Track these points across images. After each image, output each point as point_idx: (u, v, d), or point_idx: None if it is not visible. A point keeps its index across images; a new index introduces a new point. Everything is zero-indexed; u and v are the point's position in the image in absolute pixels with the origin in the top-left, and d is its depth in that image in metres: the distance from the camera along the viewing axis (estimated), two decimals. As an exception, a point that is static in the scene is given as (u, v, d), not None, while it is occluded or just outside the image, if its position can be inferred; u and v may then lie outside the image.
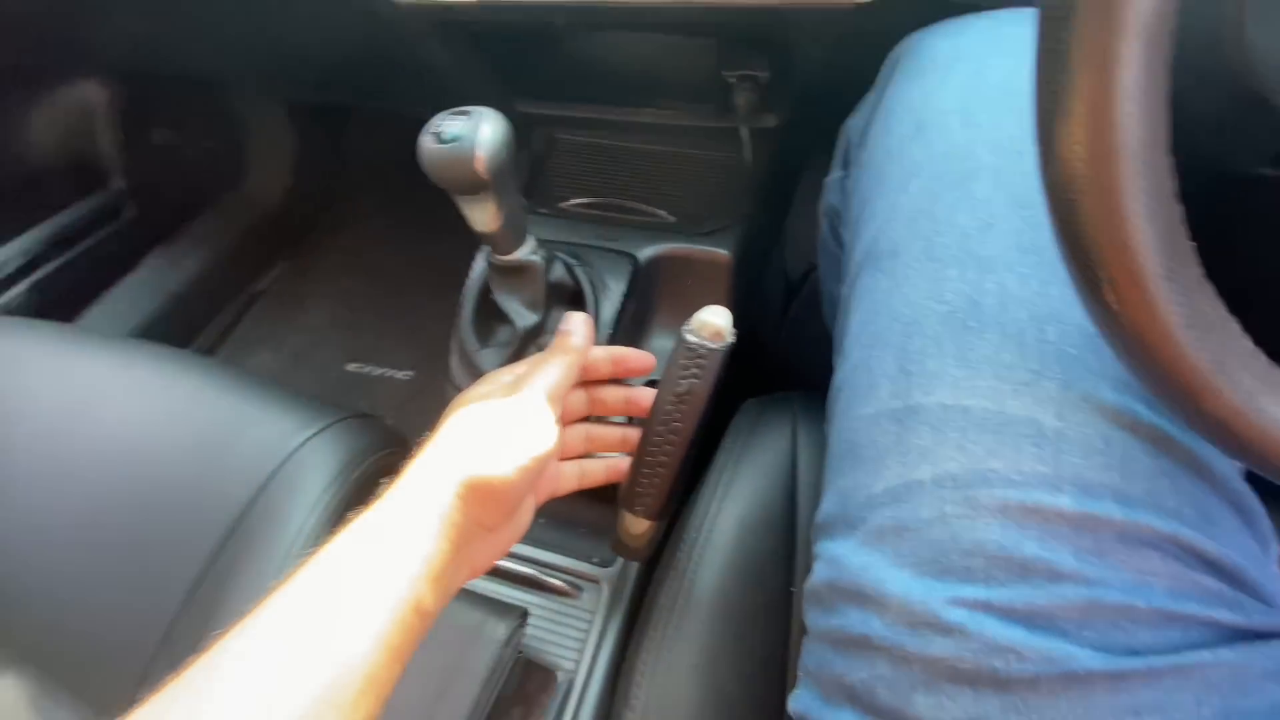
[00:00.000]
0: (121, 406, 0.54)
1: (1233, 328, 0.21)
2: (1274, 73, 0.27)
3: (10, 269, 0.80)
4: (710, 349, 0.35)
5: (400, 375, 1.01)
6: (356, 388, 1.00)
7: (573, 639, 0.45)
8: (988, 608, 0.27)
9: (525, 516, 0.37)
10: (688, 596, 0.43)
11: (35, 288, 0.82)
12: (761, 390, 0.54)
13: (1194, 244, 0.21)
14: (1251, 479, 0.33)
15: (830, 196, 0.46)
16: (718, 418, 0.53)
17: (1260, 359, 0.21)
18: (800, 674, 0.35)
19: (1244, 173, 0.37)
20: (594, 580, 0.48)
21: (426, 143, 0.39)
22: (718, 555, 0.44)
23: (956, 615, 0.27)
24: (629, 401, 0.41)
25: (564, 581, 0.48)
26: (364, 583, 0.28)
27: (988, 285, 0.31)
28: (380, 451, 0.53)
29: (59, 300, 0.85)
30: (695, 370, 0.36)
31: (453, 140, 0.39)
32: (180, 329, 0.99)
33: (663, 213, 0.58)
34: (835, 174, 0.45)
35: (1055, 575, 0.27)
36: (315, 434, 0.52)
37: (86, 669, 0.46)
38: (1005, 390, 0.29)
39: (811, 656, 0.34)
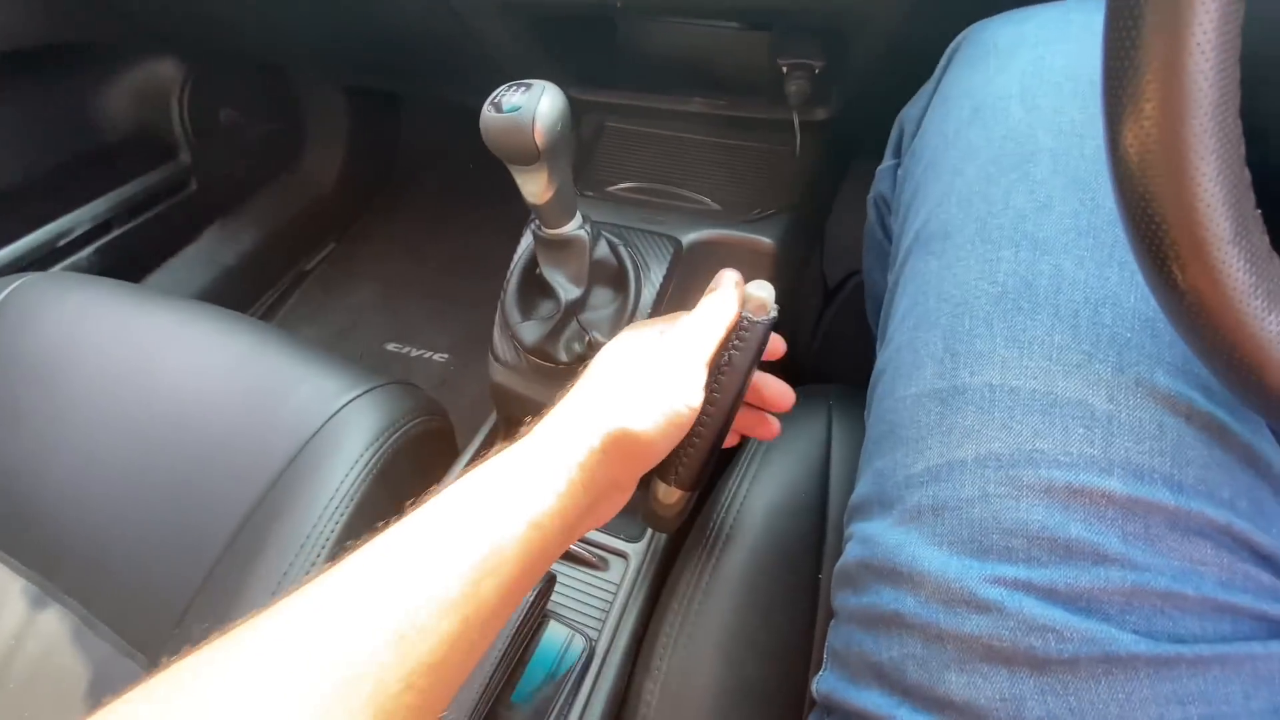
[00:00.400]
0: (178, 360, 0.56)
1: None
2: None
3: (80, 232, 0.84)
4: (754, 321, 0.36)
5: (437, 357, 1.03)
6: (394, 367, 1.02)
7: (598, 609, 0.45)
8: (1028, 587, 0.27)
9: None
10: (713, 575, 0.43)
11: (101, 250, 0.87)
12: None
13: (1260, 213, 0.20)
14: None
15: (880, 185, 0.45)
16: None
17: None
18: (826, 656, 0.35)
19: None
20: (621, 555, 0.48)
21: (488, 112, 0.40)
22: (745, 537, 0.44)
23: (994, 593, 0.27)
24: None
25: (592, 554, 0.48)
26: (477, 522, 0.27)
27: (1042, 267, 0.30)
28: (419, 417, 0.55)
29: (123, 264, 0.89)
30: (737, 342, 0.36)
31: (512, 110, 0.40)
32: (232, 300, 1.03)
33: (708, 200, 0.58)
34: (888, 162, 0.45)
35: (1101, 558, 0.26)
36: (358, 396, 0.53)
37: (128, 606, 0.48)
38: (1056, 371, 0.29)
39: (839, 637, 0.34)
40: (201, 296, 0.99)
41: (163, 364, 0.56)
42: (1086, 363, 0.28)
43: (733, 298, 0.37)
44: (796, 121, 0.54)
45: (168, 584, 0.47)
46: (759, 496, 0.46)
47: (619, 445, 0.31)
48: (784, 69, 0.51)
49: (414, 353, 1.04)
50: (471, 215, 1.15)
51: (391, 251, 1.18)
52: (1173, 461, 0.27)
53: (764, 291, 0.36)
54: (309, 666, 0.22)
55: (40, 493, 0.53)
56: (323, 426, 0.51)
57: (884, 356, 0.37)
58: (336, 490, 0.48)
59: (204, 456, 0.51)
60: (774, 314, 0.36)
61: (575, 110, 0.68)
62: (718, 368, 0.36)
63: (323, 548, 0.46)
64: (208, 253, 1.02)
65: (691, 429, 0.37)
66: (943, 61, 0.40)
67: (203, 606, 0.46)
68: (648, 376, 0.33)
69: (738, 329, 0.36)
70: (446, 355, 1.03)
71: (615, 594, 0.46)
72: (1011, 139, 0.34)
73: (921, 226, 0.36)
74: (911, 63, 0.43)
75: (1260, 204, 0.20)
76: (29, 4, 0.73)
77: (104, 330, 0.59)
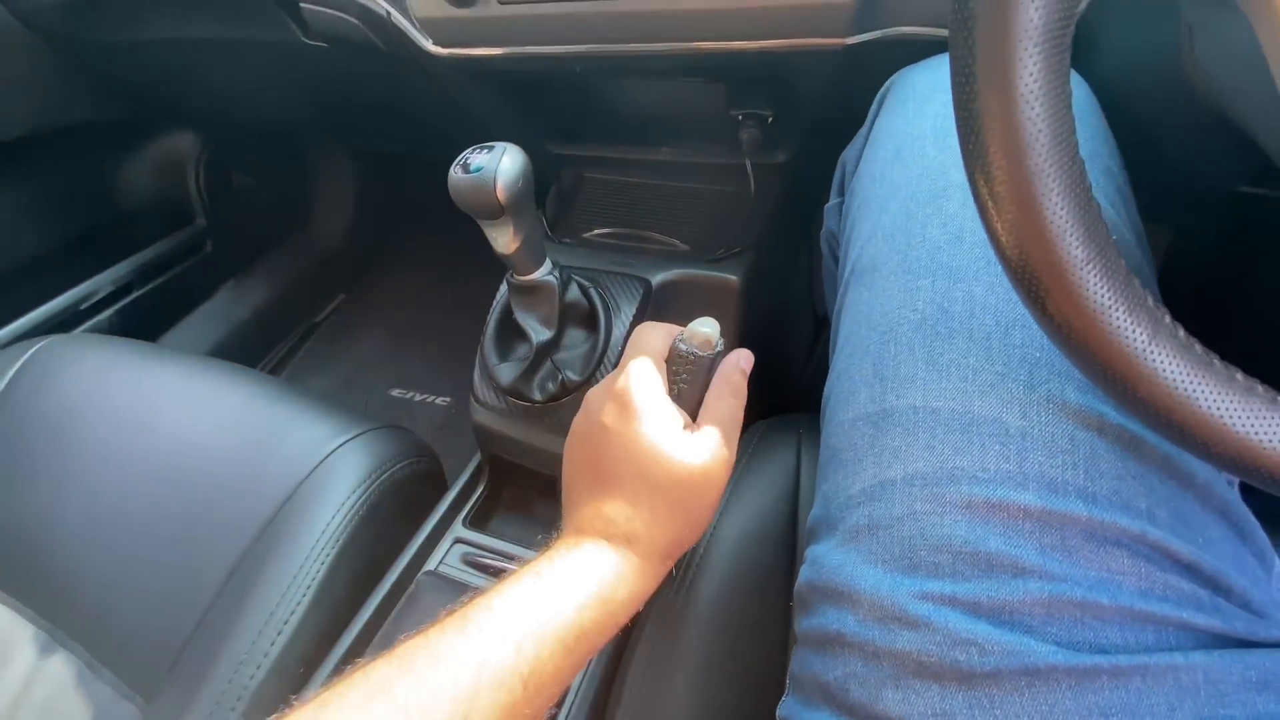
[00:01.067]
0: (181, 414, 0.59)
1: (1161, 315, 0.22)
2: (1222, 93, 0.29)
3: (102, 294, 0.90)
4: (699, 356, 0.37)
5: (439, 401, 1.06)
6: (399, 411, 1.05)
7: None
8: (953, 602, 0.28)
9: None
10: (684, 604, 0.44)
11: (122, 311, 0.92)
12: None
13: (1114, 240, 0.22)
14: (1249, 497, 0.32)
15: (829, 222, 0.48)
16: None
17: (1194, 348, 0.22)
18: (789, 681, 0.36)
19: (1228, 190, 0.37)
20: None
21: (454, 173, 0.44)
22: (717, 566, 0.45)
23: (922, 609, 0.28)
24: None
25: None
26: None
27: (956, 294, 0.32)
28: (406, 459, 0.57)
29: (143, 324, 0.94)
30: (685, 377, 0.38)
31: (477, 171, 0.43)
32: (245, 354, 1.07)
33: (677, 242, 0.61)
34: (833, 200, 0.47)
35: (1019, 570, 0.27)
36: (347, 441, 0.56)
37: (128, 650, 0.50)
38: (972, 392, 0.30)
39: (797, 661, 0.35)
40: (215, 352, 1.03)
41: (167, 418, 0.59)
42: (1000, 382, 0.30)
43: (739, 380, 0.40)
44: (749, 166, 0.57)
45: (165, 627, 0.49)
46: (730, 525, 0.47)
47: (668, 529, 0.34)
48: (739, 118, 0.54)
49: (417, 397, 1.08)
50: (472, 265, 1.19)
51: (396, 302, 1.23)
52: (1085, 474, 0.28)
53: (708, 328, 0.38)
54: None
55: (51, 542, 0.56)
56: (312, 471, 0.54)
57: (828, 384, 0.38)
58: (323, 534, 0.50)
59: (202, 504, 0.54)
60: (720, 348, 0.38)
61: (554, 163, 0.72)
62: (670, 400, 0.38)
63: (307, 589, 0.47)
64: (222, 310, 1.07)
65: None
66: (874, 105, 0.43)
67: (196, 649, 0.48)
68: (677, 466, 0.34)
69: (685, 363, 0.38)
70: (448, 399, 1.06)
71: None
72: (927, 176, 0.36)
73: (855, 260, 0.38)
74: (856, 109, 0.46)
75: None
76: (56, 88, 0.80)
77: (115, 388, 0.62)
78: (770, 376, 0.65)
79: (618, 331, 0.54)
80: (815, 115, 0.55)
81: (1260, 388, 0.22)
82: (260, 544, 0.51)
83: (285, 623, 0.46)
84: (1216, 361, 0.22)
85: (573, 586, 0.31)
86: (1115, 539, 0.27)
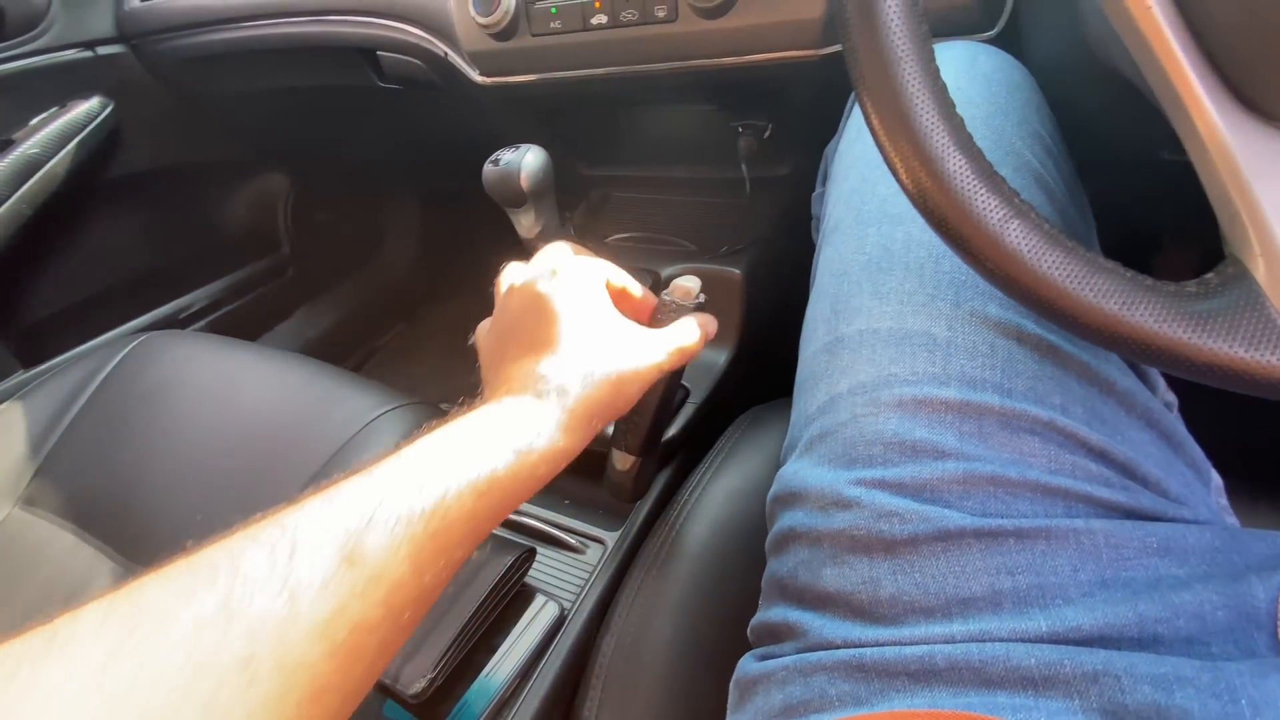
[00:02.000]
0: (252, 388, 0.68)
1: (1014, 196, 0.26)
2: (1109, 54, 0.33)
3: (197, 307, 1.03)
4: (680, 305, 0.43)
5: (481, 415, 1.13)
6: (444, 424, 1.13)
7: (574, 584, 0.50)
8: (881, 484, 0.31)
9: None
10: (673, 546, 0.47)
11: (212, 324, 1.05)
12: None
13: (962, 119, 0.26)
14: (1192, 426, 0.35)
15: (815, 209, 0.53)
16: (725, 419, 0.59)
17: (1044, 226, 0.26)
18: (760, 602, 0.39)
19: (1151, 159, 0.41)
20: (599, 541, 0.53)
21: (487, 167, 0.52)
22: (705, 515, 0.49)
23: (856, 492, 0.32)
24: None
25: (573, 540, 0.54)
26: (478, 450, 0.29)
27: (897, 234, 0.37)
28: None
29: (229, 335, 1.07)
30: (669, 323, 0.43)
31: (505, 164, 0.51)
32: (312, 368, 1.19)
33: (687, 243, 0.67)
34: (818, 190, 0.53)
35: (940, 454, 0.31)
36: (386, 411, 0.63)
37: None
38: (906, 312, 0.34)
39: (764, 578, 0.38)
40: (288, 365, 1.15)
41: (240, 391, 0.68)
42: (930, 302, 0.34)
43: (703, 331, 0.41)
44: (745, 170, 0.63)
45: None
46: (720, 483, 0.51)
47: (602, 389, 0.34)
48: (738, 130, 0.61)
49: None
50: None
51: (449, 327, 1.34)
52: (1003, 373, 0.31)
53: (690, 282, 0.43)
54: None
55: (136, 494, 0.64)
56: (356, 434, 0.61)
57: (801, 333, 0.43)
58: (362, 482, 0.57)
59: (264, 459, 0.61)
60: (700, 299, 0.44)
61: (585, 184, 0.81)
62: None
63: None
64: (296, 330, 1.19)
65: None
66: (849, 103, 0.49)
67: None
68: (618, 336, 0.36)
69: (669, 311, 0.43)
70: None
71: (590, 574, 0.51)
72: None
73: (824, 227, 0.44)
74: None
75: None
76: (176, 133, 0.96)
77: (199, 370, 0.72)
78: (770, 366, 0.69)
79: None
80: (811, 127, 0.61)
81: (1122, 268, 0.25)
82: (309, 489, 0.57)
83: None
84: (1078, 245, 0.26)
85: (488, 434, 0.30)
86: (1028, 427, 0.30)
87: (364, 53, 0.75)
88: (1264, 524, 0.38)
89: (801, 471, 0.35)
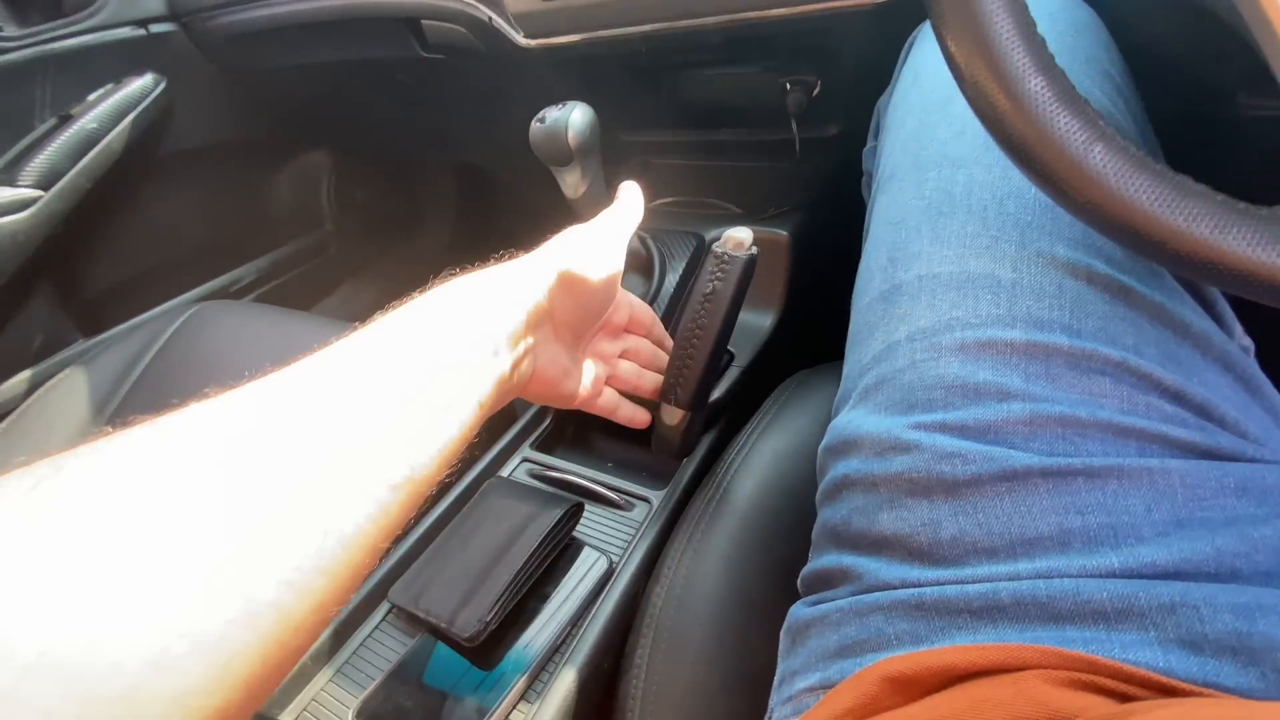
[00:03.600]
0: (300, 349, 0.70)
1: (1097, 119, 0.25)
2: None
3: (246, 281, 1.06)
4: (732, 257, 0.42)
5: (518, 388, 1.15)
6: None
7: (621, 539, 0.51)
8: (942, 427, 0.31)
9: (579, 371, 0.39)
10: (720, 503, 0.47)
11: (259, 298, 1.08)
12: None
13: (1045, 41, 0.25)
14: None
15: (866, 164, 0.52)
16: (771, 383, 0.59)
17: (1130, 149, 0.25)
18: (811, 553, 0.39)
19: (1226, 106, 0.39)
20: (645, 499, 0.53)
21: (534, 125, 0.52)
22: (752, 473, 0.49)
23: (914, 435, 0.31)
24: (654, 355, 0.46)
25: (620, 498, 0.54)
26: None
27: (959, 178, 0.36)
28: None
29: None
30: (720, 274, 0.43)
31: (552, 121, 0.51)
32: (354, 342, 1.21)
33: (732, 206, 0.67)
34: (869, 145, 0.52)
35: (1004, 395, 0.30)
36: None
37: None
38: (968, 255, 0.33)
39: (815, 529, 0.38)
40: (331, 339, 1.18)
41: (292, 356, 0.70)
42: (994, 245, 0.33)
43: (628, 205, 0.43)
44: (795, 126, 0.62)
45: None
46: (767, 444, 0.51)
47: (565, 281, 0.35)
48: (786, 85, 0.60)
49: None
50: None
51: (486, 304, 1.35)
52: (1071, 314, 0.30)
53: (742, 233, 0.43)
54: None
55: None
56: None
57: (856, 283, 0.42)
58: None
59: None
60: (753, 251, 0.43)
61: (626, 149, 0.80)
62: (704, 297, 0.43)
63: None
64: (339, 305, 1.22)
65: (685, 351, 0.44)
66: (903, 54, 0.48)
67: None
68: (583, 248, 0.37)
69: (720, 263, 0.43)
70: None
71: (637, 530, 0.51)
72: (937, 90, 0.40)
73: (879, 177, 0.43)
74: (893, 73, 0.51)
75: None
76: (225, 110, 0.98)
77: (253, 337, 0.74)
78: (817, 330, 0.68)
79: (670, 278, 0.60)
80: (861, 83, 0.59)
81: (1213, 192, 0.24)
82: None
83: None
84: (1168, 169, 0.25)
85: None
86: (1099, 368, 0.29)
87: (407, 22, 0.76)
88: None
89: (856, 420, 0.34)
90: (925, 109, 0.40)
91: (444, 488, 0.58)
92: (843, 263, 0.73)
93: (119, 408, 0.73)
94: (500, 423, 0.65)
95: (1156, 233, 0.24)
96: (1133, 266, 0.32)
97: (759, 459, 0.50)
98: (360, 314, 1.21)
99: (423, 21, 0.74)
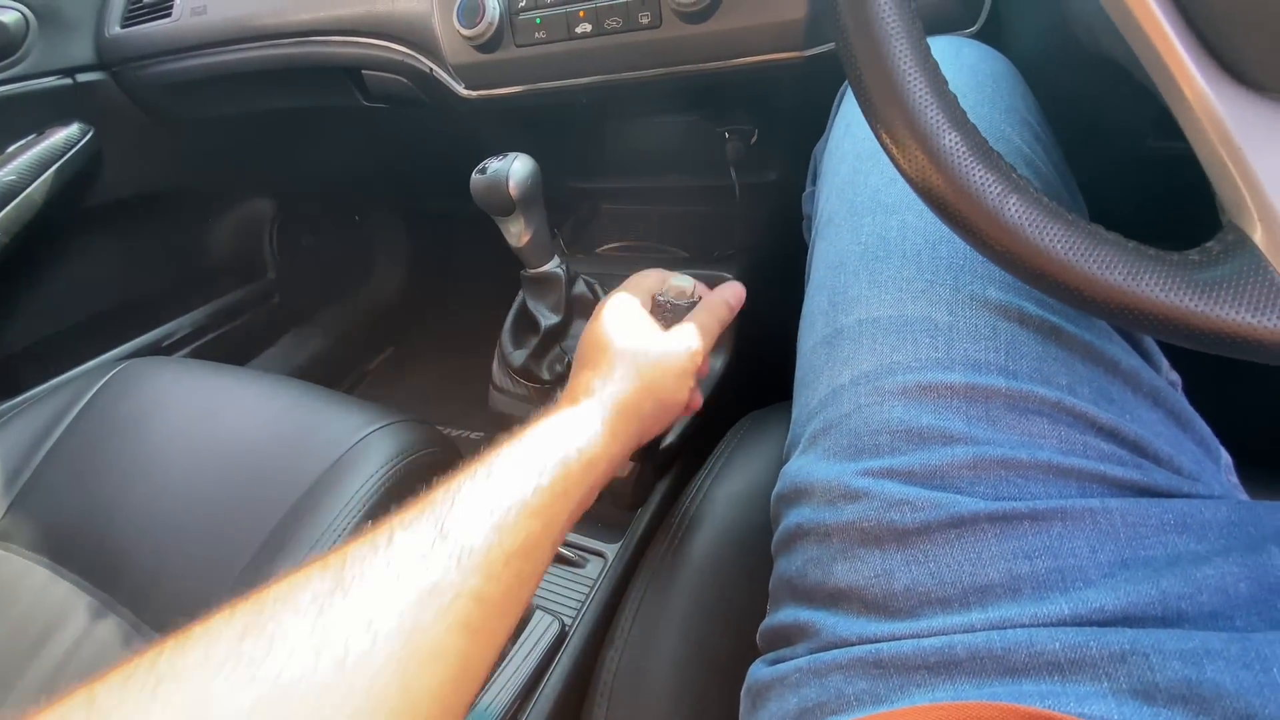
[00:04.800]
0: (235, 411, 0.67)
1: (1010, 171, 0.25)
2: (1093, 34, 0.33)
3: (181, 334, 1.01)
4: (675, 305, 0.42)
5: (473, 435, 1.12)
6: (435, 446, 1.11)
7: (574, 599, 0.49)
8: (890, 473, 0.30)
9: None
10: (676, 556, 0.46)
11: (195, 351, 1.03)
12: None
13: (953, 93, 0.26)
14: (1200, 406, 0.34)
15: (806, 208, 0.53)
16: (722, 425, 0.58)
17: (1044, 200, 0.25)
18: (768, 605, 0.37)
19: (1137, 146, 0.41)
20: (598, 554, 0.52)
21: (475, 176, 0.52)
22: (707, 522, 0.48)
23: (864, 483, 0.31)
24: None
25: (573, 554, 0.52)
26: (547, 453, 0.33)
27: (892, 223, 0.36)
28: (426, 448, 0.62)
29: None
30: (664, 322, 0.42)
31: (492, 172, 0.51)
32: (299, 394, 1.17)
33: (679, 250, 0.67)
34: (808, 189, 0.53)
35: (948, 439, 0.30)
36: (376, 429, 0.61)
37: (173, 609, 0.54)
38: (905, 299, 0.34)
39: (771, 579, 0.37)
40: (274, 392, 1.13)
41: (223, 416, 0.66)
42: (930, 288, 0.33)
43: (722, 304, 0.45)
44: (734, 175, 0.63)
45: (207, 587, 0.54)
46: (720, 488, 0.50)
47: (634, 385, 0.39)
48: (725, 135, 0.61)
49: (454, 433, 1.14)
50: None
51: (442, 351, 1.32)
52: (1007, 355, 0.31)
53: (684, 282, 0.43)
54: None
55: (114, 525, 0.62)
56: (345, 453, 0.59)
57: (799, 328, 0.42)
58: (350, 500, 0.55)
59: (248, 484, 0.59)
60: (694, 299, 0.43)
61: (574, 198, 0.81)
62: None
63: (335, 540, 0.52)
64: (282, 356, 1.18)
65: None
66: (836, 101, 0.49)
67: (244, 588, 0.52)
68: (645, 338, 0.41)
69: (664, 312, 0.42)
70: (482, 434, 1.11)
71: (591, 588, 0.49)
72: (867, 139, 0.41)
73: (817, 222, 0.43)
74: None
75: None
76: (159, 159, 0.95)
77: (180, 396, 0.71)
78: (767, 370, 0.68)
79: (621, 322, 0.59)
80: (798, 130, 0.61)
81: (1125, 240, 0.25)
82: (295, 511, 0.56)
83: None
84: (1083, 220, 0.26)
85: (538, 449, 0.33)
86: (1036, 408, 0.30)
87: (348, 72, 0.75)
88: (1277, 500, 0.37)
89: (806, 467, 0.34)
90: (858, 156, 0.41)
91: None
92: (788, 303, 0.74)
93: (33, 477, 0.67)
94: (449, 474, 0.63)
95: (1072, 281, 0.24)
96: (1061, 307, 0.32)
97: (714, 506, 0.49)
98: (305, 365, 1.17)
99: (363, 71, 0.74)
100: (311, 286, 1.23)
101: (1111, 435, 0.29)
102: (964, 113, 0.26)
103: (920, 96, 0.25)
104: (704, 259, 0.65)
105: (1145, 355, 0.35)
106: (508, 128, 0.73)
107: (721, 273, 0.63)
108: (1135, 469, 0.28)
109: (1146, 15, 0.24)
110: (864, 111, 0.27)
